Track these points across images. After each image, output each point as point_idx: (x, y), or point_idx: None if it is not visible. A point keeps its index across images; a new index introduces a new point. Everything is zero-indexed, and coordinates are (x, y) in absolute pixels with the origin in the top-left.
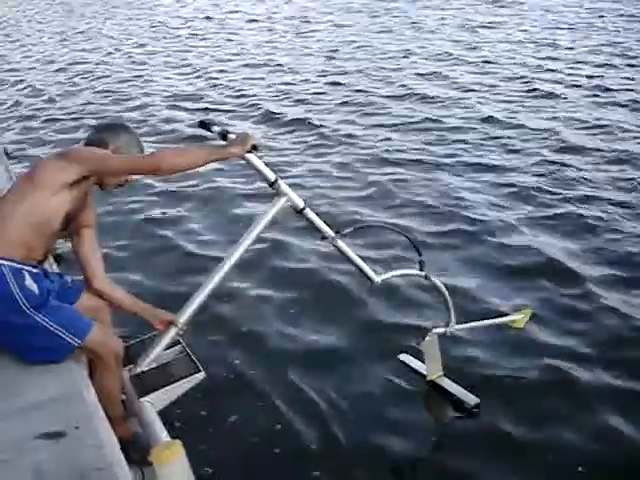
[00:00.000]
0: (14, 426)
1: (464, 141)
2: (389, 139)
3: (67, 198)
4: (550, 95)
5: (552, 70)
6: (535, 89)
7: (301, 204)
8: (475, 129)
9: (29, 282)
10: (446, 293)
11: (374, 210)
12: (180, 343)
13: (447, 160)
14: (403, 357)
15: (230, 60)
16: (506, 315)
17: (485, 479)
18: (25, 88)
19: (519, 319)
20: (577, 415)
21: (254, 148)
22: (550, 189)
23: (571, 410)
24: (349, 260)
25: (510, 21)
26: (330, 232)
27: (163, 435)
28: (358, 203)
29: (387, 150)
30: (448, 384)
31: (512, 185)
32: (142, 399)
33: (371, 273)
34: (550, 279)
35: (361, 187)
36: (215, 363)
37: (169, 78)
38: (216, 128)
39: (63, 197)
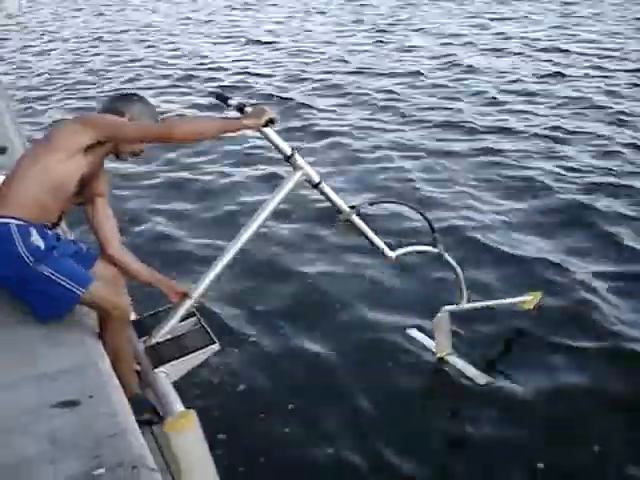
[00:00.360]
0: (30, 395)
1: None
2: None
3: (82, 162)
4: None
5: None
6: None
7: (317, 178)
8: None
9: (35, 237)
10: (459, 270)
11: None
12: (195, 315)
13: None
14: (412, 332)
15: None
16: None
17: (494, 456)
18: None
19: (529, 300)
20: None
21: (270, 122)
22: None
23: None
24: (364, 235)
25: None
26: (346, 207)
27: (178, 405)
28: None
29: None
30: (458, 362)
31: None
32: (157, 370)
33: (385, 249)
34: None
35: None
36: (229, 335)
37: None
38: (232, 101)
39: (78, 161)
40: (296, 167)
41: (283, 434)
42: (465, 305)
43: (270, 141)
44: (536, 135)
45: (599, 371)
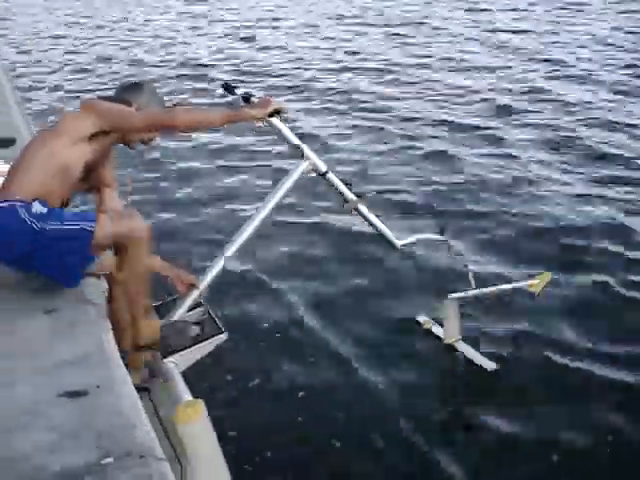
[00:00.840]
0: (36, 384)
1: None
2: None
3: (87, 149)
4: None
5: None
6: None
7: (324, 168)
8: None
9: (37, 207)
10: (465, 258)
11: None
12: (203, 305)
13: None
14: (420, 318)
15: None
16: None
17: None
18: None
19: (536, 283)
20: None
21: (277, 112)
22: None
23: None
24: (371, 224)
25: None
26: (352, 196)
27: (186, 395)
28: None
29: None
30: (466, 349)
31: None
32: (165, 360)
33: (393, 238)
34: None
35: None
36: (237, 324)
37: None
38: (239, 91)
39: (83, 148)
40: (303, 156)
41: (293, 425)
42: (471, 292)
43: (277, 131)
44: None
45: (614, 361)
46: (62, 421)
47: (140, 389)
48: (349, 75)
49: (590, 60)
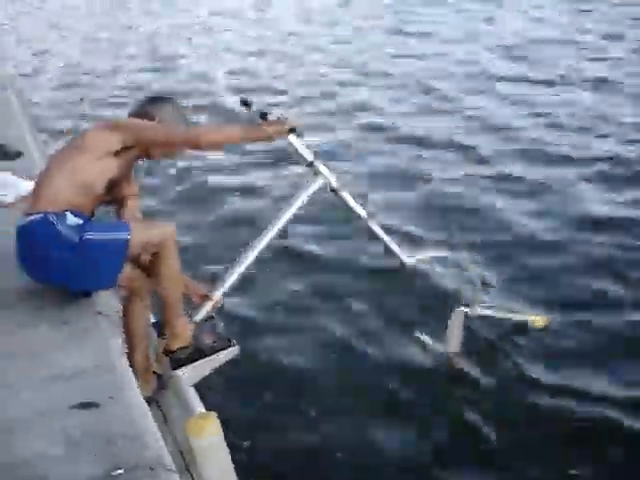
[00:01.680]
0: (49, 394)
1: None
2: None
3: (111, 165)
4: None
5: None
6: None
7: (336, 184)
8: None
9: (71, 218)
10: (475, 274)
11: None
12: (214, 318)
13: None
14: (421, 335)
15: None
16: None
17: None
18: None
19: (539, 320)
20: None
21: (293, 130)
22: None
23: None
24: (381, 241)
25: None
26: (364, 213)
27: (198, 407)
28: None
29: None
30: (463, 363)
31: None
32: (176, 372)
33: (402, 254)
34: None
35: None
36: (249, 337)
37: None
38: (256, 108)
39: (107, 163)
40: (317, 173)
41: (304, 439)
42: (479, 311)
43: (293, 148)
44: None
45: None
46: (73, 432)
47: (150, 400)
48: (363, 90)
49: None
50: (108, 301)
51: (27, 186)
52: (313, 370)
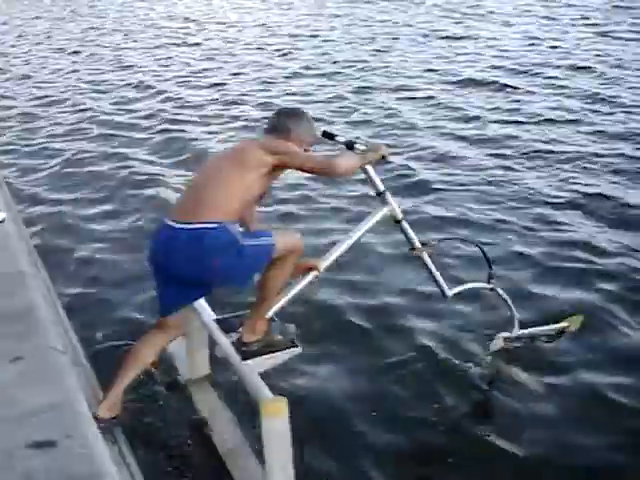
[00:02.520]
0: (7, 433)
1: None
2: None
3: (264, 182)
4: None
5: None
6: None
7: (400, 215)
8: None
9: (238, 227)
10: (510, 302)
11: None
12: (275, 320)
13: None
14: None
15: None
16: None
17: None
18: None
19: (572, 323)
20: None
21: (382, 158)
22: None
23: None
24: (429, 271)
25: None
26: (419, 244)
27: (267, 392)
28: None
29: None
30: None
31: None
32: (247, 361)
33: (445, 287)
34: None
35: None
36: (316, 341)
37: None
38: (340, 138)
39: (264, 180)
40: (385, 202)
41: (363, 440)
42: (517, 332)
43: (368, 177)
44: None
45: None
46: (30, 471)
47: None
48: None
49: None
50: (62, 338)
51: None
52: (377, 375)
